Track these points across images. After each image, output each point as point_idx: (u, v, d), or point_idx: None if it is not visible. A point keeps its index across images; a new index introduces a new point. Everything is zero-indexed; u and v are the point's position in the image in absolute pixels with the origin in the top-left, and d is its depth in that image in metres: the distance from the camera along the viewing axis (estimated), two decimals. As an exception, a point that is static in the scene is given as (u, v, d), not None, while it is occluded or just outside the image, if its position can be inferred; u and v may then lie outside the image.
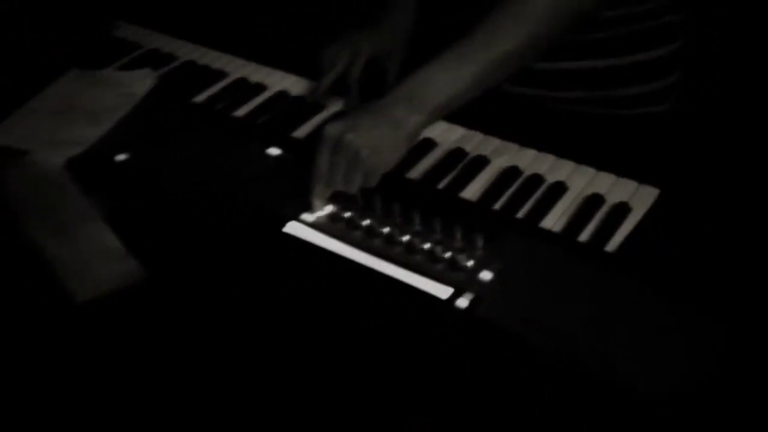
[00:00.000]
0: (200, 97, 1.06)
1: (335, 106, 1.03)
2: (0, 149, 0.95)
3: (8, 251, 0.95)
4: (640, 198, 0.85)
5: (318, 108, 1.03)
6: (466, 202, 0.87)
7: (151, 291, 0.91)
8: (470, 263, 0.77)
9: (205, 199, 0.90)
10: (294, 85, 1.07)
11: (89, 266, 0.93)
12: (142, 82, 1.07)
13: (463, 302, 0.73)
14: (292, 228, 0.84)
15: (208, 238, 0.88)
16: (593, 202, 0.86)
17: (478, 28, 0.86)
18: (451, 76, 0.85)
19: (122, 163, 0.94)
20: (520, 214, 0.85)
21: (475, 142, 0.95)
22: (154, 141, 0.97)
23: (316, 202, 0.83)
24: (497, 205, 0.86)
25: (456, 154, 0.94)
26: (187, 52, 1.14)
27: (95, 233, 0.92)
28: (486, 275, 0.76)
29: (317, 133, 0.92)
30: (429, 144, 0.95)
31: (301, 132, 0.99)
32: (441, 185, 0.89)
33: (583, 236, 0.81)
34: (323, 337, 0.76)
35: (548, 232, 0.82)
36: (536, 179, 0.89)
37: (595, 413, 0.65)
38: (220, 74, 1.10)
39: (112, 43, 1.17)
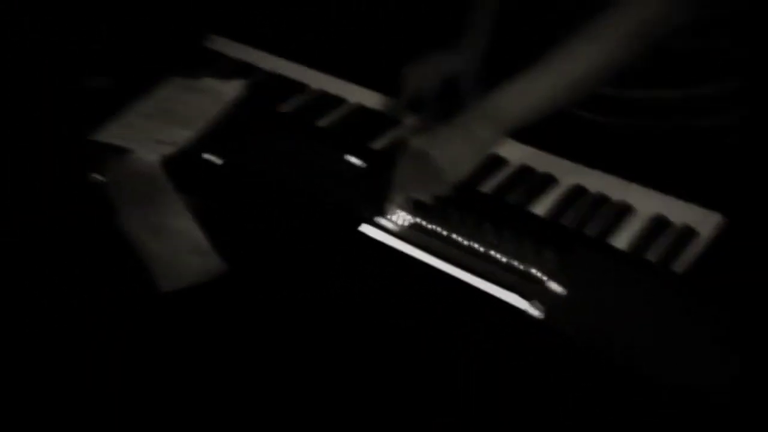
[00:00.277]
0: (284, 107, 1.13)
1: (412, 122, 1.09)
2: (105, 146, 1.04)
3: (105, 239, 1.03)
4: (706, 222, 0.88)
5: (395, 122, 1.09)
6: (536, 217, 0.91)
7: (231, 285, 0.98)
8: (540, 275, 0.81)
9: (286, 200, 0.97)
10: (372, 99, 1.13)
11: (175, 259, 1.00)
12: (231, 89, 1.14)
13: (533, 311, 0.78)
14: (368, 230, 0.89)
15: (288, 236, 0.94)
16: (660, 224, 0.89)
17: (555, 50, 0.91)
18: (524, 95, 0.90)
19: (211, 163, 1.02)
20: (589, 231, 0.88)
21: (543, 162, 1.00)
22: (241, 144, 1.05)
23: (393, 208, 0.89)
24: (566, 221, 0.90)
25: (525, 171, 0.98)
26: (273, 64, 1.22)
27: (184, 228, 1.00)
28: (556, 287, 0.80)
29: (394, 144, 0.98)
30: (499, 161, 1.00)
31: (379, 143, 1.05)
32: (511, 200, 0.94)
33: (650, 255, 0.85)
34: (392, 335, 0.81)
35: (616, 250, 0.85)
36: (603, 199, 0.93)
37: (658, 423, 0.68)
38: (303, 86, 1.17)
39: (205, 53, 1.25)
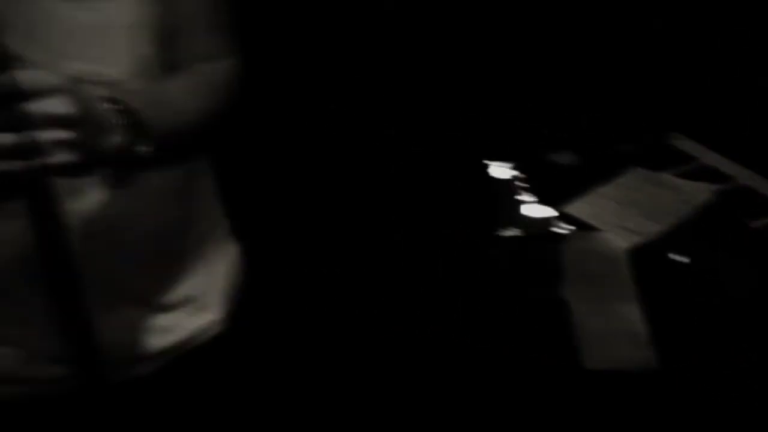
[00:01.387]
0: (756, 223, 1.08)
1: None
2: (571, 220, 1.10)
3: (537, 304, 1.08)
4: None
5: None
6: None
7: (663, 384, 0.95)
8: None
9: (756, 323, 0.91)
10: None
11: (609, 341, 1.01)
12: (699, 192, 1.13)
13: None
14: None
15: (752, 361, 0.89)
16: None
17: None
18: None
19: (675, 262, 1.01)
20: None
21: None
22: (708, 251, 1.02)
23: None
24: None
25: None
26: (745, 176, 1.18)
27: (630, 316, 1.00)
28: None
29: None
30: None
31: None
32: None
33: None
34: None
35: None
36: None
37: None
38: (780, 207, 1.11)
39: (670, 151, 1.26)
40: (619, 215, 1.09)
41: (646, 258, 1.01)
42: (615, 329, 1.00)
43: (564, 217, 1.12)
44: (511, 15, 1.30)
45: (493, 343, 1.14)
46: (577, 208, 1.11)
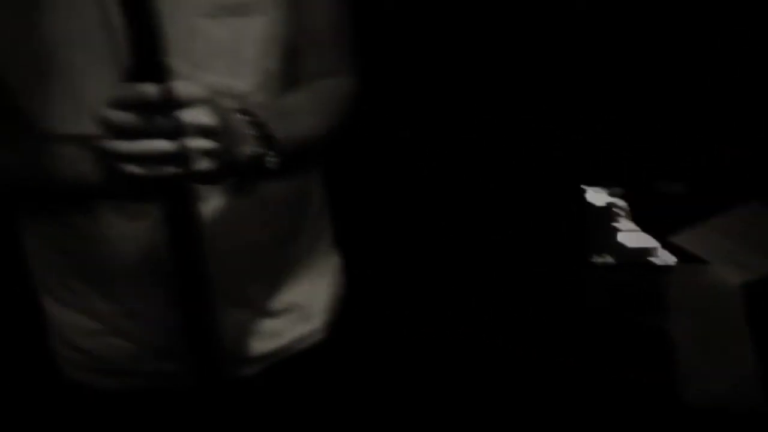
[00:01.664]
0: None
1: None
2: (676, 251, 1.07)
3: (630, 332, 1.05)
4: None
5: None
6: None
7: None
8: None
9: None
10: None
11: (715, 379, 0.97)
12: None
13: None
14: None
15: None
16: None
17: None
18: None
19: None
20: None
21: None
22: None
23: None
24: None
25: None
26: None
27: (738, 353, 0.96)
28: None
29: None
30: None
31: None
32: None
33: None
34: None
35: None
36: None
37: None
38: None
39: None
40: (731, 249, 1.05)
41: (760, 295, 0.97)
42: (722, 366, 0.97)
43: (670, 248, 1.09)
44: (632, 41, 1.28)
45: (582, 370, 1.12)
46: (686, 239, 1.08)
